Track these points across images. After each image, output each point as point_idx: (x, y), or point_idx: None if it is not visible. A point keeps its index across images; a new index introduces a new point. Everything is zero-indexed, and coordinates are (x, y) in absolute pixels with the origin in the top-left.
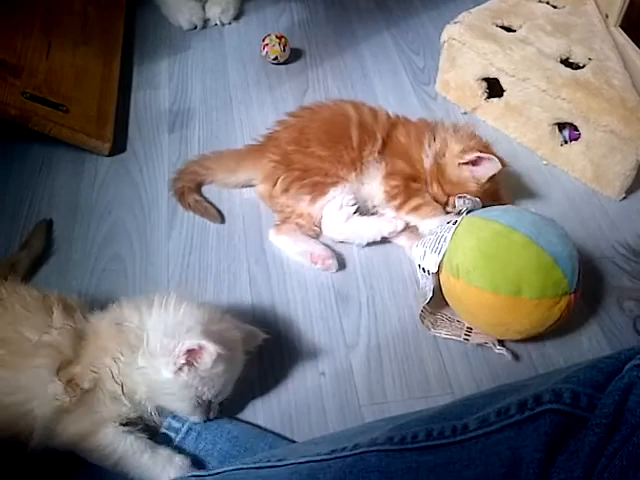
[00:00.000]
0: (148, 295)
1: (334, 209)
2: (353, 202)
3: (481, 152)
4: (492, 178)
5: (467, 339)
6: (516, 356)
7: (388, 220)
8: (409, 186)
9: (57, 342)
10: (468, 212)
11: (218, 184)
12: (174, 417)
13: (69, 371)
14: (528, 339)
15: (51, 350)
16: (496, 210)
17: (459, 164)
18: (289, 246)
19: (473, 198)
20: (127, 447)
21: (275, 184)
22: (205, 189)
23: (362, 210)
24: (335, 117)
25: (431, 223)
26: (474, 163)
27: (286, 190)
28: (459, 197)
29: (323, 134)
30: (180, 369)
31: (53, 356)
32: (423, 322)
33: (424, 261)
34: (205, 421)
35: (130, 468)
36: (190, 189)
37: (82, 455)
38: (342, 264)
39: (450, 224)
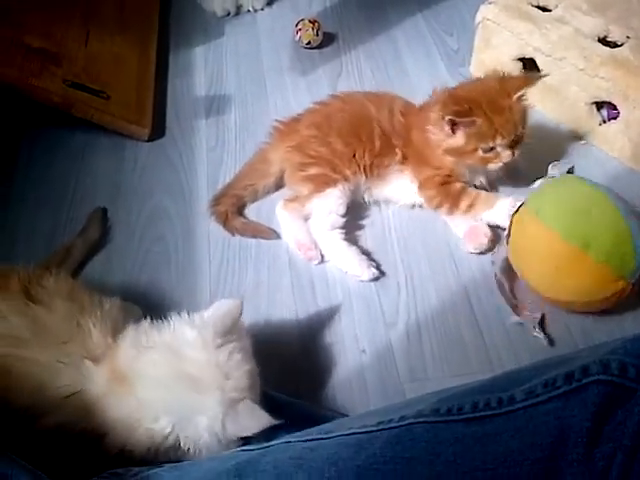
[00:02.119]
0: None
1: (324, 212)
2: (343, 211)
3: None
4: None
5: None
6: (551, 341)
7: (360, 263)
8: (448, 190)
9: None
10: None
11: (262, 194)
12: None
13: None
14: (570, 321)
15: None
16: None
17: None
18: (285, 224)
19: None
20: None
21: (288, 167)
22: None
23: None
24: (362, 116)
25: (491, 213)
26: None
27: (294, 175)
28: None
29: (347, 128)
30: None
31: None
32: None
33: None
34: None
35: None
36: (233, 213)
37: None
38: (380, 243)
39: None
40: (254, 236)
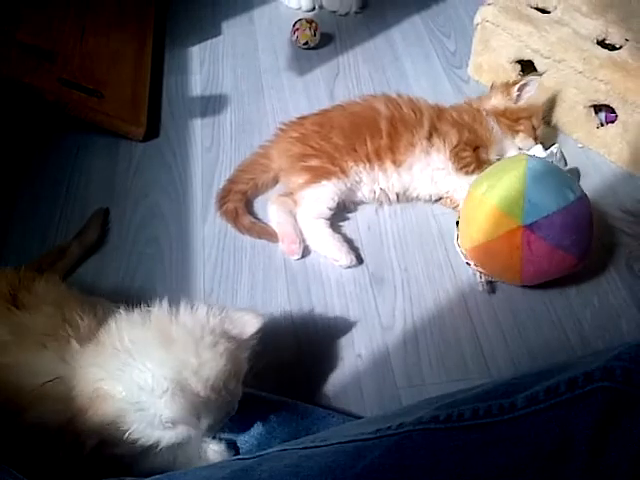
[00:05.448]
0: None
1: (314, 201)
2: (333, 205)
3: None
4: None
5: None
6: (492, 289)
7: (340, 249)
8: (479, 157)
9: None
10: None
11: (263, 189)
12: None
13: (72, 430)
14: (565, 321)
15: (47, 405)
16: None
17: (514, 99)
18: (272, 217)
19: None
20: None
21: (288, 158)
22: None
23: (401, 198)
24: (364, 112)
25: None
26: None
27: (293, 165)
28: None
29: (347, 125)
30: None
31: (49, 415)
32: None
33: None
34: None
35: (165, 466)
36: (242, 210)
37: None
38: (376, 247)
39: None
40: (259, 237)
